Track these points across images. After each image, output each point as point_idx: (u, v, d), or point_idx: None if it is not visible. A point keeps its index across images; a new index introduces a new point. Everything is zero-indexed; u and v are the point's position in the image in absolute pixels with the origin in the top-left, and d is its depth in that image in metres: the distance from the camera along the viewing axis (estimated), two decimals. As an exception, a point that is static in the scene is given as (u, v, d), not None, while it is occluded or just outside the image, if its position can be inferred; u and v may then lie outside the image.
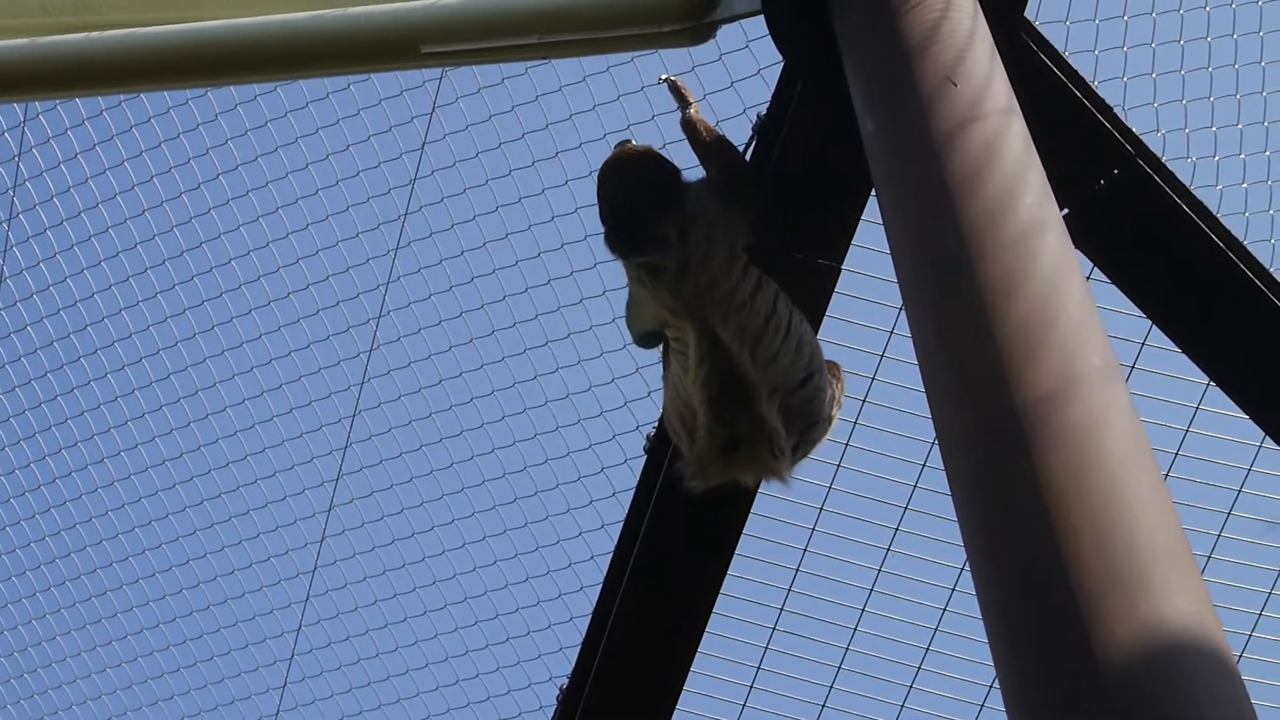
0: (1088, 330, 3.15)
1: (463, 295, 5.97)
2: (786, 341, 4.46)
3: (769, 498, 5.47)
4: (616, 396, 5.81)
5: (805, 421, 4.54)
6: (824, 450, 5.48)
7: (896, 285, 3.66)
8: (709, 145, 4.72)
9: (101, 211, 6.37)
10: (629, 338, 4.85)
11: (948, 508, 3.50)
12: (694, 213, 4.50)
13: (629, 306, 4.77)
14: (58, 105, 6.16)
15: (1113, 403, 3.01)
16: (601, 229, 4.60)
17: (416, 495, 6.47)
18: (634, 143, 4.80)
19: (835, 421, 4.76)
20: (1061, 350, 3.07)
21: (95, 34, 5.32)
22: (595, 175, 4.71)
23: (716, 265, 4.44)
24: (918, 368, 3.42)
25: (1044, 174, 3.54)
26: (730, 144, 4.73)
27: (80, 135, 6.23)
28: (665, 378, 4.72)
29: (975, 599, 3.00)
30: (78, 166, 6.31)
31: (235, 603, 7.02)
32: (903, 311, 3.89)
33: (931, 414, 3.32)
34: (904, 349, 5.21)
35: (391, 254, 6.01)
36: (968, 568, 3.47)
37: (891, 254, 3.66)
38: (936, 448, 3.49)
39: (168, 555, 6.98)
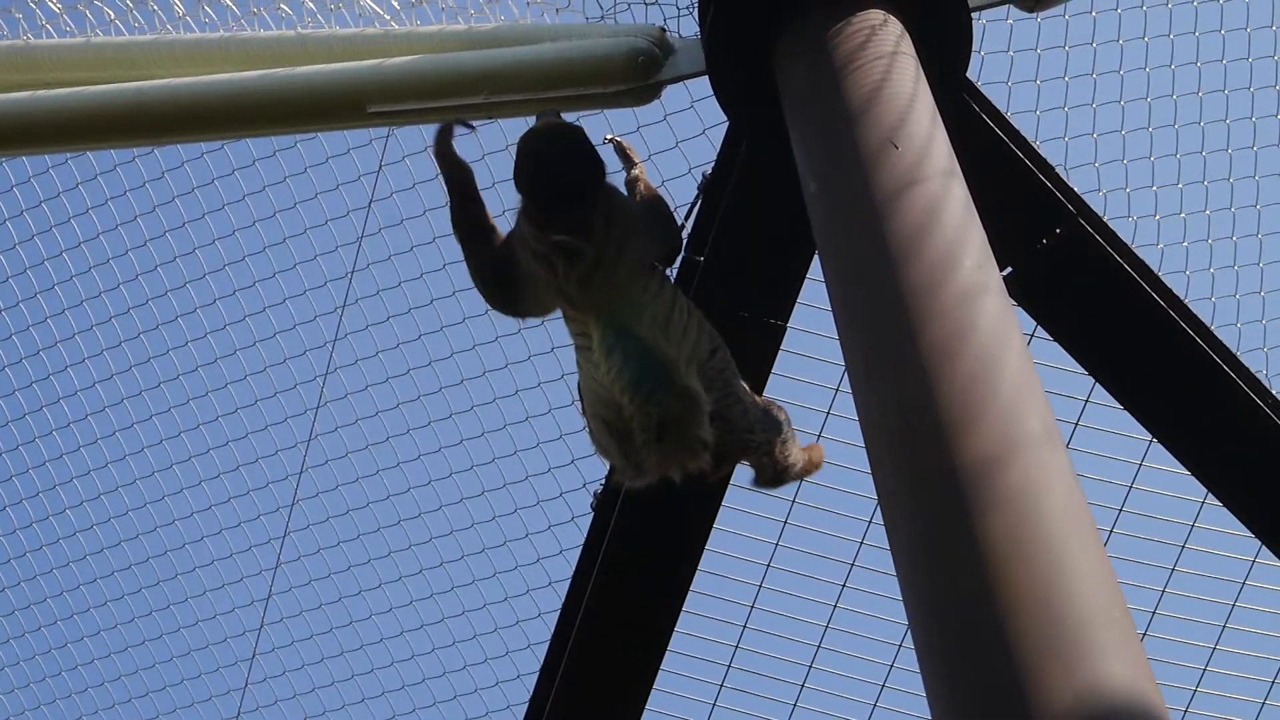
0: (1027, 394, 3.17)
1: (410, 353, 5.99)
2: (690, 320, 4.36)
3: (716, 554, 5.49)
4: (564, 453, 5.82)
5: (719, 391, 4.35)
6: (770, 507, 5.54)
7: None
8: (647, 202, 4.69)
9: (48, 268, 6.36)
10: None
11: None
12: (617, 210, 4.42)
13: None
14: (2, 162, 6.14)
15: (1052, 466, 3.03)
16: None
17: (363, 553, 6.49)
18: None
19: (799, 462, 4.68)
20: (1001, 414, 3.09)
21: (40, 92, 5.33)
22: (524, 137, 4.47)
23: (625, 268, 4.34)
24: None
25: (984, 236, 3.57)
26: (667, 205, 4.70)
27: (26, 192, 6.22)
28: (578, 388, 4.61)
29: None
30: (23, 224, 6.30)
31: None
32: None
33: (873, 475, 3.33)
34: (851, 406, 5.21)
35: (339, 310, 6.01)
36: (911, 628, 3.47)
37: (834, 315, 3.68)
38: (881, 506, 3.49)
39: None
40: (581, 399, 4.62)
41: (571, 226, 4.27)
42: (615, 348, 4.32)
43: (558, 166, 4.37)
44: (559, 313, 4.49)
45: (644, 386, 4.31)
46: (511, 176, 4.41)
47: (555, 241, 4.27)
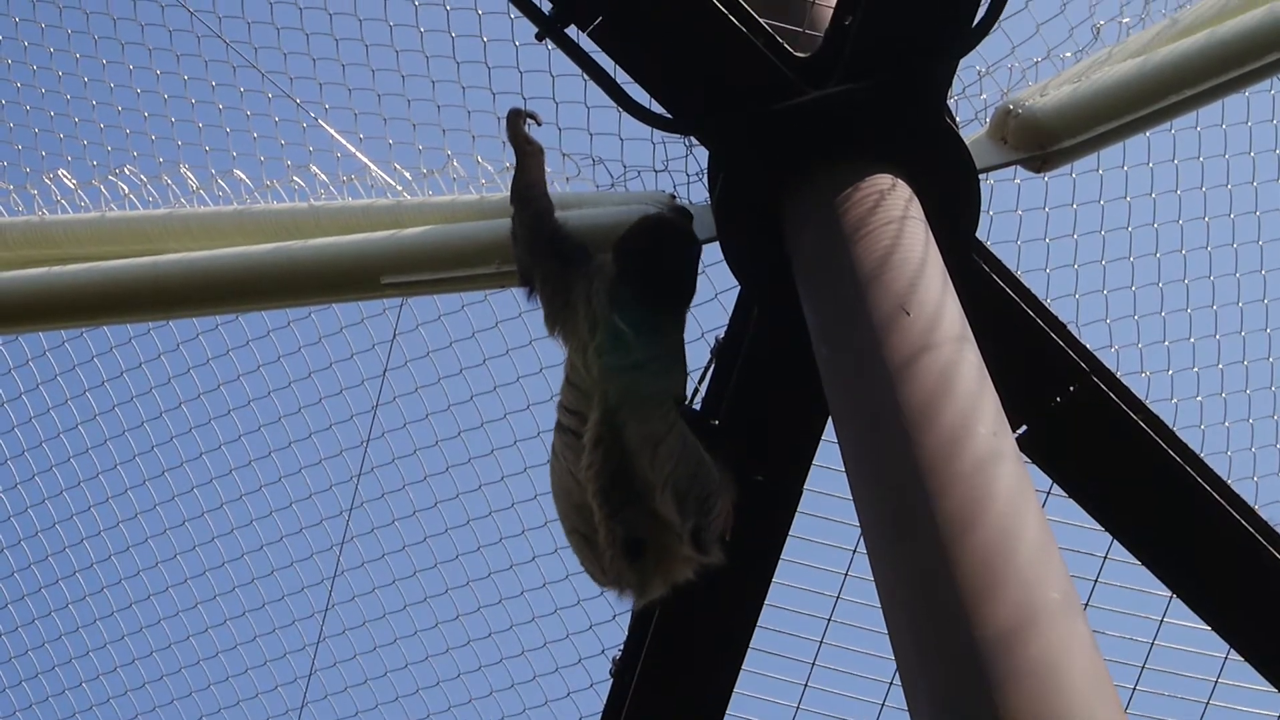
0: (1046, 562, 3.15)
1: (427, 520, 5.98)
2: (683, 448, 4.33)
3: (735, 718, 5.44)
4: (582, 619, 5.79)
5: (698, 496, 4.30)
6: (790, 670, 5.49)
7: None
8: None
9: (63, 442, 6.37)
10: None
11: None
12: (680, 338, 4.55)
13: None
14: (17, 337, 6.17)
15: (1073, 637, 3.01)
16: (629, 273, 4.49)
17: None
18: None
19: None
20: (1020, 584, 3.07)
21: (55, 268, 5.36)
22: (660, 223, 4.66)
23: (658, 386, 4.41)
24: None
25: (998, 401, 3.57)
26: None
27: (42, 365, 6.25)
28: (552, 484, 4.61)
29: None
30: (39, 397, 6.32)
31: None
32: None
33: (891, 644, 3.31)
34: (868, 568, 5.19)
35: (355, 480, 6.01)
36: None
37: (849, 481, 3.67)
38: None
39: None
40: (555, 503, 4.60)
41: (644, 325, 4.39)
42: (601, 444, 4.35)
43: (677, 280, 4.56)
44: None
45: (614, 497, 4.33)
46: (624, 238, 4.57)
47: (619, 327, 4.36)
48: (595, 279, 4.50)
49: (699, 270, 4.65)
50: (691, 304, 4.64)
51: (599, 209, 4.87)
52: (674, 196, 4.88)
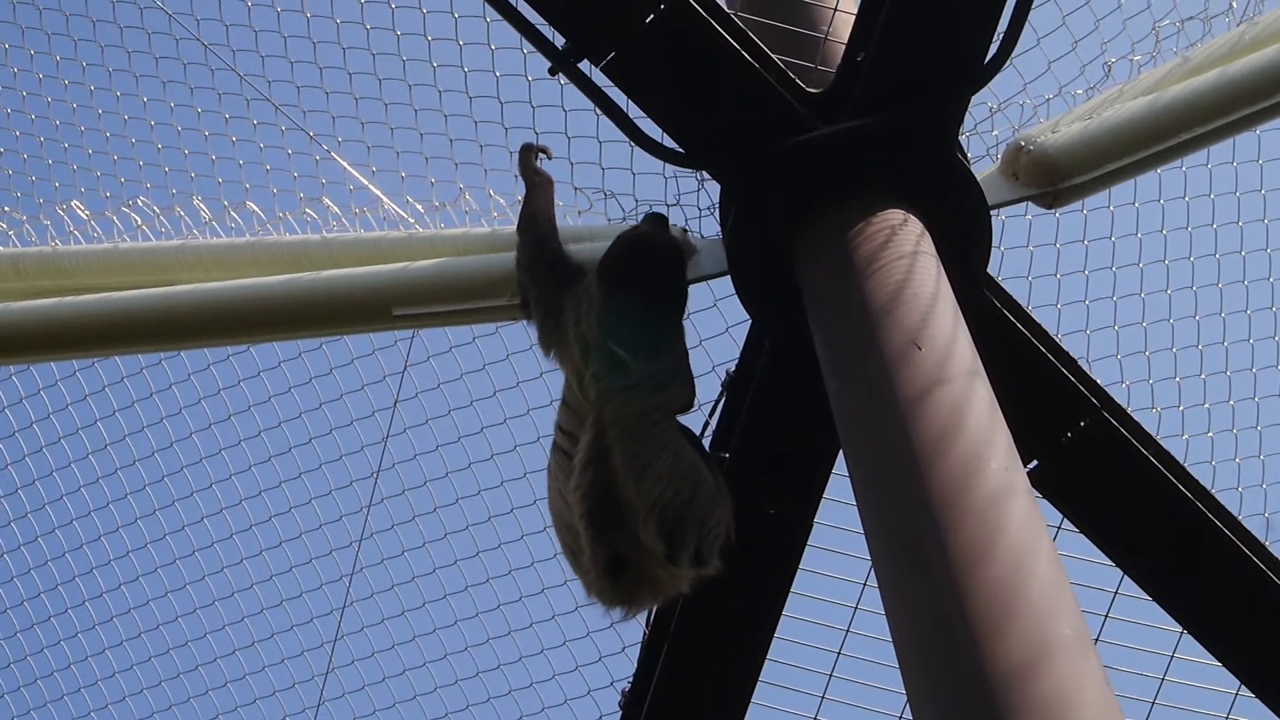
0: (1057, 598, 3.15)
1: (436, 552, 5.98)
2: (675, 466, 4.32)
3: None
4: (591, 651, 5.79)
5: (695, 521, 4.30)
6: (799, 703, 5.49)
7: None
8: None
9: (74, 471, 6.37)
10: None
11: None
12: (681, 351, 4.53)
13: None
14: (29, 367, 6.18)
15: (1084, 673, 3.01)
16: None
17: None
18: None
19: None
20: (1032, 619, 3.07)
21: (68, 299, 5.38)
22: (640, 237, 4.64)
23: (653, 404, 4.38)
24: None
25: (1009, 436, 3.57)
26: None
27: (53, 395, 6.26)
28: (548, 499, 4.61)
29: None
30: (50, 426, 6.32)
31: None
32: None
33: (903, 679, 3.31)
34: (879, 601, 5.18)
35: (365, 510, 6.01)
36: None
37: (860, 516, 3.67)
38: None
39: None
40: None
41: (635, 342, 4.36)
42: (591, 465, 4.33)
43: (659, 290, 4.50)
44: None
45: (600, 519, 4.31)
46: (603, 258, 4.55)
47: (611, 348, 4.35)
48: (583, 301, 4.49)
49: (683, 276, 4.63)
50: (684, 312, 4.61)
51: (609, 242, 4.86)
52: (685, 230, 4.88)
